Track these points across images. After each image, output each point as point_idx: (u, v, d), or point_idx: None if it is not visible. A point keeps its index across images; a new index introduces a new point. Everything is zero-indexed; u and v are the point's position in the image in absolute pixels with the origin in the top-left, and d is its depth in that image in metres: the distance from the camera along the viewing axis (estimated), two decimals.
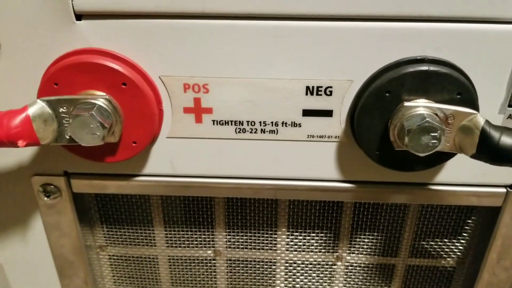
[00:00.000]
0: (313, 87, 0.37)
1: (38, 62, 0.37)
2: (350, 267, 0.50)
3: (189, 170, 0.42)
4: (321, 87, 0.37)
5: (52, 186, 0.43)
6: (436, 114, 0.34)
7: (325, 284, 0.51)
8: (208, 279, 0.51)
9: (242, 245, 0.49)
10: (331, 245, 0.49)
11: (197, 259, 0.50)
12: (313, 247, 0.49)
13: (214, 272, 0.51)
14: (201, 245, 0.49)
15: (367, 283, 0.51)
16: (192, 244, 0.49)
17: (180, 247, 0.49)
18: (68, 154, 0.40)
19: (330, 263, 0.50)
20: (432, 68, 0.34)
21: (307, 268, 0.50)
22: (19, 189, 0.44)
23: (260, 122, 0.39)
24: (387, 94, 0.35)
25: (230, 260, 0.50)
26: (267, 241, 0.49)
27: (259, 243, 0.49)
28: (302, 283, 0.51)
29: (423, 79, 0.35)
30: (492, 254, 0.45)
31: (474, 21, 0.34)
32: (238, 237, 0.48)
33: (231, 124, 0.39)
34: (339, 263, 0.50)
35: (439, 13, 0.34)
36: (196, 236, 0.49)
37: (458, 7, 0.34)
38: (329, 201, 0.46)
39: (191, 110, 0.39)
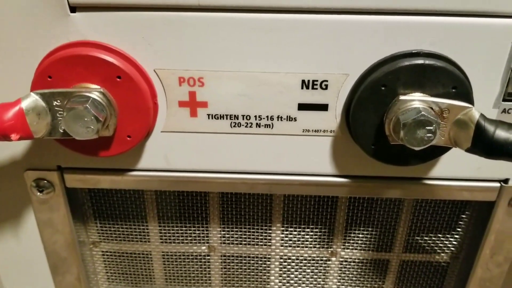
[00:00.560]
0: (308, 81, 0.37)
1: (32, 55, 0.36)
2: (344, 263, 0.50)
3: (183, 165, 0.41)
4: (317, 81, 0.37)
5: (45, 181, 0.43)
6: (432, 108, 0.34)
7: (320, 279, 0.51)
8: (202, 275, 0.51)
9: (236, 240, 0.49)
10: (326, 240, 0.49)
11: (191, 255, 0.50)
12: (307, 242, 0.49)
13: (208, 268, 0.51)
14: (195, 241, 0.49)
15: (362, 279, 0.51)
16: (186, 239, 0.49)
17: (174, 242, 0.49)
18: (62, 148, 0.39)
19: (324, 258, 0.50)
20: (428, 61, 0.35)
21: (301, 264, 0.50)
22: (11, 184, 0.44)
23: (255, 116, 0.39)
24: (383, 88, 0.35)
25: (224, 255, 0.50)
26: (261, 237, 0.48)
27: (253, 238, 0.48)
28: (296, 278, 0.51)
29: (418, 73, 0.35)
30: (486, 249, 0.45)
31: (470, 15, 0.35)
32: (232, 232, 0.48)
33: (226, 118, 0.39)
34: (333, 259, 0.50)
35: (435, 7, 0.34)
36: (190, 231, 0.48)
37: (454, 1, 0.34)
38: (324, 196, 0.46)
39: (186, 104, 0.38)
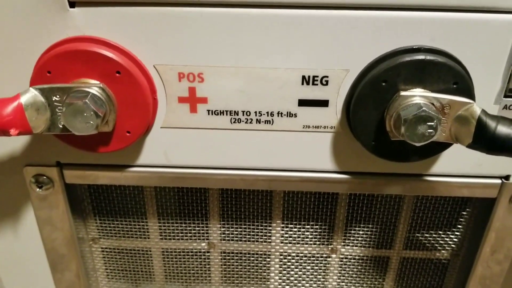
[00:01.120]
0: (309, 76, 0.37)
1: (31, 50, 0.36)
2: (344, 259, 0.50)
3: (183, 161, 0.41)
4: (317, 76, 0.37)
5: (44, 177, 0.43)
6: (433, 104, 0.34)
7: (320, 276, 0.51)
8: (202, 272, 0.51)
9: (236, 237, 0.49)
10: (326, 237, 0.48)
11: (191, 252, 0.50)
12: (307, 239, 0.49)
13: (208, 264, 0.51)
14: (195, 237, 0.49)
15: (362, 275, 0.51)
16: (186, 236, 0.49)
17: (174, 239, 0.49)
18: (61, 144, 0.39)
19: (324, 255, 0.50)
20: (429, 57, 0.34)
21: (301, 261, 0.50)
22: (10, 180, 0.44)
23: (255, 112, 0.39)
24: (384, 84, 0.35)
25: (224, 252, 0.50)
26: (261, 233, 0.48)
27: (253, 235, 0.48)
28: (296, 275, 0.51)
29: (419, 69, 0.34)
30: (486, 246, 0.45)
31: (471, 10, 0.34)
32: (232, 229, 0.48)
33: (226, 114, 0.39)
34: (333, 255, 0.50)
35: (436, 2, 0.34)
36: (190, 228, 0.48)
37: None
38: (324, 193, 0.46)
39: (186, 100, 0.38)
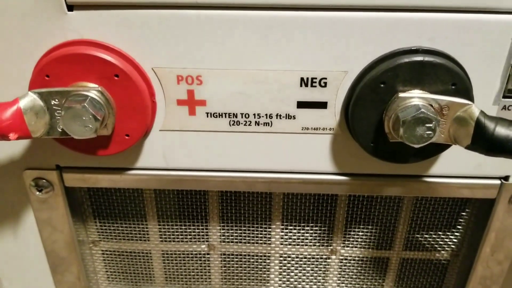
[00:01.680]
0: (307, 78, 0.37)
1: (30, 54, 0.36)
2: (344, 261, 0.50)
3: (182, 164, 0.41)
4: (316, 78, 0.37)
5: (44, 180, 0.43)
6: (431, 105, 0.34)
7: (320, 277, 0.51)
8: (202, 274, 0.51)
9: (236, 239, 0.49)
10: (326, 238, 0.48)
11: (191, 254, 0.50)
12: (307, 240, 0.49)
13: (208, 266, 0.51)
14: (195, 239, 0.49)
15: (362, 277, 0.51)
16: (185, 238, 0.49)
17: (173, 241, 0.49)
18: (60, 147, 0.39)
19: (324, 256, 0.50)
20: (427, 58, 0.34)
21: (301, 262, 0.50)
22: (10, 184, 0.44)
23: (254, 114, 0.39)
24: (382, 85, 0.35)
25: (224, 254, 0.50)
26: (261, 235, 0.48)
27: (253, 237, 0.48)
28: (296, 277, 0.51)
29: (417, 70, 0.35)
30: (486, 247, 0.45)
31: (469, 11, 0.34)
32: (232, 231, 0.48)
33: (225, 117, 0.39)
34: (333, 257, 0.50)
35: (434, 3, 0.34)
36: (189, 230, 0.48)
37: None
38: (324, 194, 0.46)
39: (185, 102, 0.38)
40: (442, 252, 0.49)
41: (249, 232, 0.48)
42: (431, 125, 0.33)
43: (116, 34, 0.36)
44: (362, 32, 0.35)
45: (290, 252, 0.49)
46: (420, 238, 0.48)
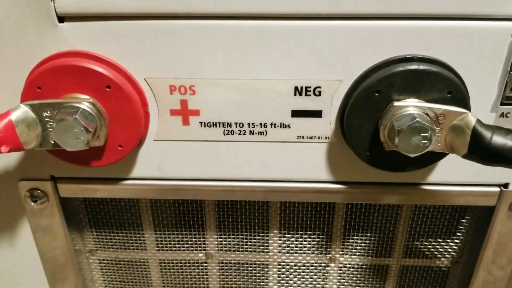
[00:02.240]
0: (301, 87, 0.37)
1: (21, 66, 0.36)
2: (343, 268, 0.49)
3: (177, 173, 0.41)
4: (310, 87, 0.36)
5: (39, 191, 0.42)
6: (427, 114, 0.34)
7: (319, 286, 0.51)
8: (200, 282, 0.51)
9: (234, 247, 0.48)
10: (324, 246, 0.48)
11: (189, 262, 0.50)
12: (305, 248, 0.48)
13: (206, 275, 0.50)
14: (192, 248, 0.49)
15: (361, 284, 0.50)
16: (183, 247, 0.48)
17: (171, 250, 0.49)
18: (55, 158, 0.39)
19: (323, 264, 0.49)
20: (422, 67, 0.34)
21: (300, 270, 0.50)
22: (5, 194, 0.43)
23: (248, 123, 0.38)
24: (377, 94, 0.35)
25: (222, 263, 0.49)
26: (259, 243, 0.48)
27: (251, 245, 0.48)
28: (295, 285, 0.51)
29: (413, 78, 0.34)
30: (488, 253, 0.45)
31: (465, 18, 0.34)
32: (229, 239, 0.48)
33: (219, 126, 0.38)
34: (332, 265, 0.49)
35: (429, 11, 0.33)
36: (187, 239, 0.48)
37: (448, 5, 0.33)
38: (321, 202, 0.45)
39: (178, 112, 0.38)
40: (443, 259, 0.48)
41: (246, 240, 0.48)
42: (426, 134, 0.33)
43: (108, 45, 0.35)
44: (357, 41, 0.35)
45: (288, 260, 0.49)
46: (420, 246, 0.48)
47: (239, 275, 0.50)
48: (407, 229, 0.46)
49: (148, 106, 0.37)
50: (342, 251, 0.48)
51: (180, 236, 0.48)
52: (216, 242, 0.48)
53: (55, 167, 0.42)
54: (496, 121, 0.37)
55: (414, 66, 0.34)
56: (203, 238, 0.48)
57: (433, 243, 0.48)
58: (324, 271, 0.50)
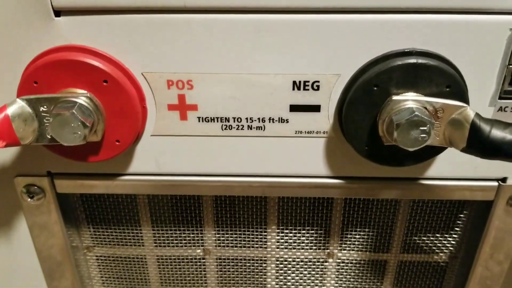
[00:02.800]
0: (299, 82, 0.36)
1: (17, 60, 0.36)
2: (341, 264, 0.49)
3: (174, 169, 0.41)
4: (308, 81, 0.36)
5: (35, 187, 0.42)
6: (425, 108, 0.33)
7: (317, 281, 0.50)
8: (198, 278, 0.51)
9: (231, 243, 0.48)
10: (322, 242, 0.48)
11: (186, 258, 0.49)
12: (304, 244, 0.48)
13: (204, 271, 0.50)
14: (190, 244, 0.48)
15: (359, 280, 0.50)
16: (180, 243, 0.48)
17: (168, 246, 0.48)
18: (51, 154, 0.39)
19: (321, 260, 0.49)
20: (421, 60, 0.34)
21: (298, 266, 0.50)
22: (1, 191, 0.43)
23: (246, 118, 0.38)
24: (375, 88, 0.35)
25: (220, 258, 0.49)
26: (257, 239, 0.48)
27: (249, 241, 0.48)
28: (293, 280, 0.51)
29: (411, 72, 0.34)
30: (485, 248, 0.45)
31: (463, 12, 0.34)
32: (227, 235, 0.48)
33: (217, 121, 0.38)
34: (330, 260, 0.49)
35: (428, 5, 0.33)
36: (184, 235, 0.48)
37: None
38: (319, 198, 0.45)
39: (176, 107, 0.38)
40: (441, 254, 0.48)
41: (244, 236, 0.48)
42: (425, 128, 0.33)
43: (105, 39, 0.35)
44: (355, 35, 0.34)
45: (286, 256, 0.49)
46: (418, 241, 0.48)
47: (237, 271, 0.50)
48: (405, 224, 0.46)
49: (145, 101, 0.37)
50: (340, 246, 0.48)
51: (178, 232, 0.48)
52: (214, 238, 0.48)
53: (52, 163, 0.41)
54: (495, 115, 0.37)
55: (412, 60, 0.34)
56: (201, 234, 0.48)
57: (431, 238, 0.48)
58: (322, 266, 0.50)
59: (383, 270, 0.50)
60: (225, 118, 0.38)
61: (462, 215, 0.46)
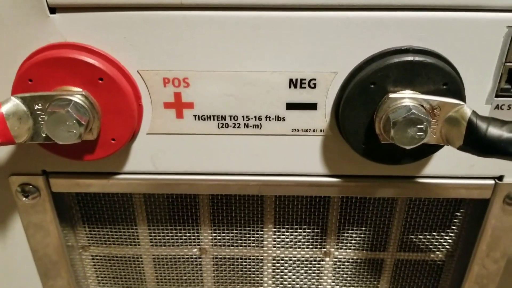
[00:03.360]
0: (296, 79, 0.36)
1: (12, 58, 0.35)
2: (338, 263, 0.49)
3: (170, 167, 0.41)
4: (305, 79, 0.36)
5: (30, 186, 0.42)
6: (422, 106, 0.33)
7: (314, 280, 0.50)
8: (194, 278, 0.50)
9: (228, 242, 0.48)
10: (319, 240, 0.48)
11: (183, 258, 0.49)
12: (300, 243, 0.48)
13: (200, 270, 0.50)
14: (186, 243, 0.48)
15: (356, 278, 0.50)
16: (177, 242, 0.48)
17: (164, 245, 0.48)
18: (46, 152, 0.38)
19: (318, 259, 0.49)
20: (418, 58, 0.34)
21: (295, 265, 0.49)
22: None
23: (243, 116, 0.38)
24: (372, 86, 0.34)
25: (216, 258, 0.49)
26: (253, 238, 0.48)
27: (245, 240, 0.48)
28: (290, 279, 0.50)
29: (408, 70, 0.34)
30: (482, 246, 0.45)
31: (460, 9, 0.34)
32: (224, 234, 0.48)
33: (213, 119, 0.38)
34: (327, 259, 0.49)
35: (424, 2, 0.33)
36: (180, 234, 0.48)
37: None
38: (316, 196, 0.45)
39: (172, 105, 0.38)
40: (437, 252, 0.48)
41: (241, 235, 0.47)
42: (422, 126, 0.33)
43: (100, 36, 0.35)
44: (351, 32, 0.34)
45: (283, 255, 0.49)
46: (414, 239, 0.48)
47: (233, 270, 0.50)
48: (402, 222, 0.46)
49: (141, 99, 0.37)
50: (337, 245, 0.48)
51: (174, 231, 0.47)
52: (210, 237, 0.48)
53: (47, 162, 0.41)
54: (491, 113, 0.37)
55: (409, 58, 0.34)
56: (197, 233, 0.47)
57: (428, 237, 0.48)
58: (319, 265, 0.49)
59: (380, 269, 0.50)
60: (222, 116, 0.38)
61: (458, 214, 0.46)
